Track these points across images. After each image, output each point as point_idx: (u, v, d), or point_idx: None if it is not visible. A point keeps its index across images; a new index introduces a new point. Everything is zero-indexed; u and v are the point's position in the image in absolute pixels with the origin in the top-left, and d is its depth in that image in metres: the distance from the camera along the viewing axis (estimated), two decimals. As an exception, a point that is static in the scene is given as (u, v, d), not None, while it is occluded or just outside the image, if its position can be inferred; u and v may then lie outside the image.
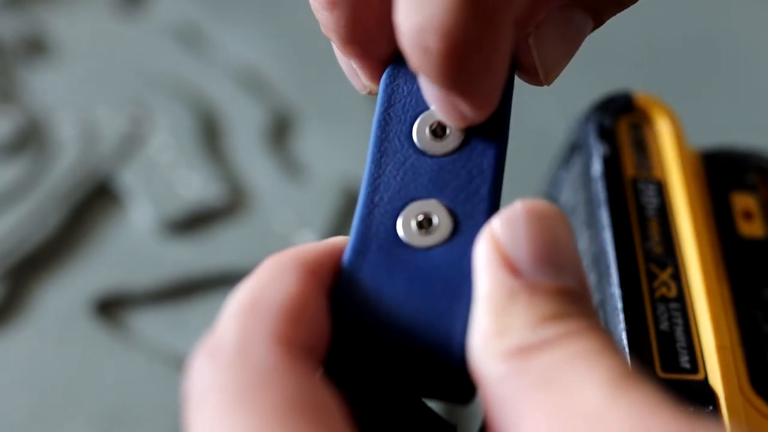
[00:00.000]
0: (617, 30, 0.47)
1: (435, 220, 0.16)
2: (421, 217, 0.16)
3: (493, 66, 0.16)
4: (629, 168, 0.24)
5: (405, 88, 0.18)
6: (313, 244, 0.16)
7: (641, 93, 0.25)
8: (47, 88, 0.42)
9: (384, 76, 0.18)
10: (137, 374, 0.32)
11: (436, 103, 0.17)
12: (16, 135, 0.39)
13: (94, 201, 0.38)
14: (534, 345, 0.13)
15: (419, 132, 0.17)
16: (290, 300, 0.15)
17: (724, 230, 0.23)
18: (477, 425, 0.15)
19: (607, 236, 0.22)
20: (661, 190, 0.23)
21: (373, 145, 0.17)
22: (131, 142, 0.40)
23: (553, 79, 0.18)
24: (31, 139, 0.39)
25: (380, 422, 0.16)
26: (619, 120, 0.25)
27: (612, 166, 0.23)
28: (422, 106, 0.18)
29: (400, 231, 0.16)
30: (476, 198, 0.17)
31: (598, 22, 0.18)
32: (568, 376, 0.13)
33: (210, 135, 0.41)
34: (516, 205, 0.15)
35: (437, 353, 0.15)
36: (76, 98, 0.42)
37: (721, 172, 0.24)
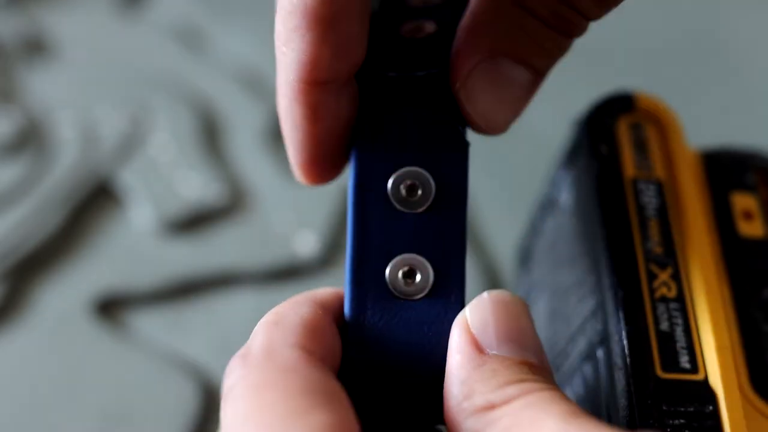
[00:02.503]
0: (617, 30, 0.47)
1: (418, 275, 0.18)
2: (406, 269, 0.18)
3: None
4: (629, 168, 0.24)
5: (373, 156, 0.19)
6: (323, 289, 0.19)
7: (641, 93, 0.25)
8: (47, 88, 0.42)
9: (360, 137, 0.19)
10: (137, 374, 0.32)
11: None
12: (16, 135, 0.39)
13: (94, 201, 0.38)
14: (497, 402, 0.15)
15: (393, 191, 0.19)
16: (306, 320, 0.17)
17: (724, 230, 0.23)
18: None
19: (607, 236, 0.22)
20: (661, 190, 0.23)
21: (353, 206, 0.19)
22: (131, 142, 0.40)
23: (505, 128, 0.19)
24: (31, 139, 0.39)
25: None
26: (619, 120, 0.24)
27: (612, 166, 0.23)
28: (394, 167, 0.19)
29: (389, 283, 0.18)
30: (452, 252, 0.19)
31: (536, 73, 0.19)
32: (527, 419, 0.15)
33: (210, 135, 0.41)
34: (483, 295, 0.18)
35: (428, 386, 0.17)
36: (76, 98, 0.42)
37: (721, 172, 0.24)
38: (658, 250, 0.22)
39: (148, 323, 0.34)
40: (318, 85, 0.19)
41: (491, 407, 0.15)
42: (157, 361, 0.33)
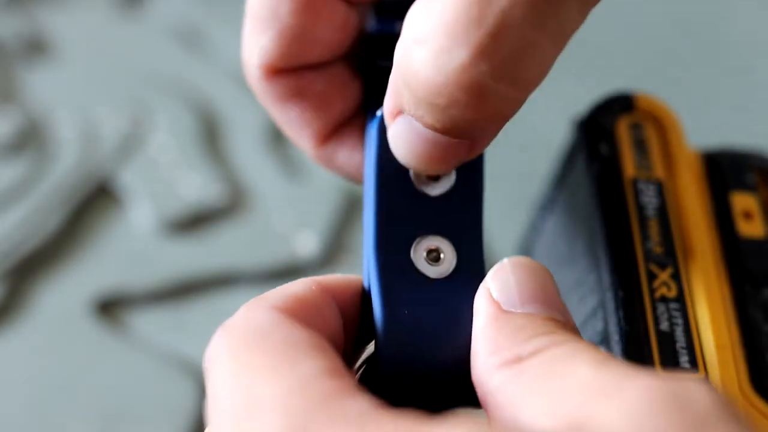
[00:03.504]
0: (617, 30, 0.47)
1: (442, 255, 0.19)
2: (430, 250, 0.19)
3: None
4: (629, 168, 0.24)
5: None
6: (329, 275, 0.19)
7: (641, 93, 0.25)
8: (47, 88, 0.42)
9: (376, 120, 0.20)
10: (137, 374, 0.32)
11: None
12: (16, 135, 0.39)
13: (94, 201, 0.38)
14: (525, 354, 0.15)
15: (416, 174, 0.19)
16: (291, 291, 0.17)
17: (724, 230, 0.23)
18: None
19: (607, 236, 0.22)
20: (661, 190, 0.23)
21: (375, 182, 0.19)
22: (131, 142, 0.40)
23: (427, 168, 0.18)
24: (31, 139, 0.39)
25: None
26: (619, 120, 0.24)
27: (612, 166, 0.23)
28: None
29: (414, 263, 0.18)
30: (472, 232, 0.19)
31: (431, 129, 0.17)
32: (559, 368, 0.14)
33: (210, 135, 0.41)
34: (503, 261, 0.18)
35: (458, 366, 0.17)
36: (76, 98, 0.42)
37: (721, 172, 0.24)
38: (658, 250, 0.22)
39: (148, 323, 0.34)
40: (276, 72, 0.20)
41: (519, 360, 0.15)
42: (157, 361, 0.33)
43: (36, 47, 0.44)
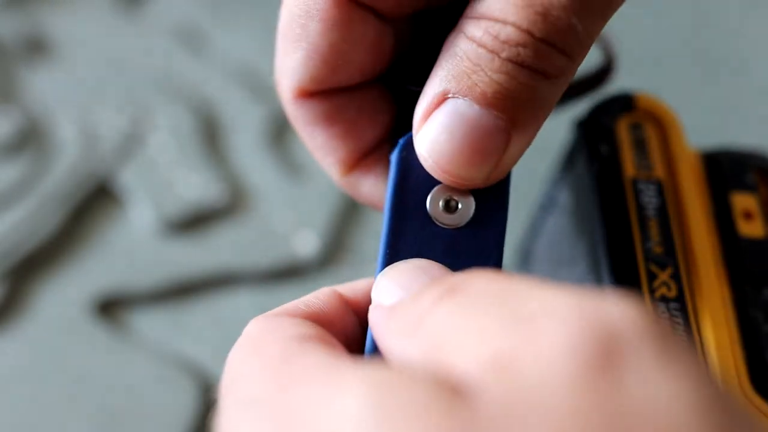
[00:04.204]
0: (617, 30, 0.47)
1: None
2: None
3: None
4: (629, 168, 0.24)
5: (417, 162, 0.19)
6: (355, 281, 0.19)
7: (641, 93, 0.25)
8: (47, 88, 0.42)
9: (396, 149, 0.19)
10: (137, 374, 0.32)
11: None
12: (16, 135, 0.39)
13: (94, 201, 0.38)
14: (425, 311, 0.15)
15: (432, 204, 0.19)
16: (305, 301, 0.18)
17: (724, 230, 0.23)
18: None
19: (607, 236, 0.22)
20: (661, 190, 0.23)
21: (389, 214, 0.19)
22: (131, 142, 0.40)
23: (471, 180, 0.18)
24: (31, 139, 0.39)
25: None
26: (619, 120, 0.24)
27: (612, 166, 0.23)
28: (435, 181, 0.19)
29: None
30: (490, 265, 0.19)
31: (480, 102, 0.18)
32: (460, 313, 0.14)
33: (210, 135, 0.41)
34: (378, 277, 0.18)
35: None
36: (76, 98, 0.42)
37: (721, 172, 0.24)
38: (658, 250, 0.22)
39: (148, 323, 0.34)
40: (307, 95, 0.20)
41: (420, 321, 0.15)
42: (157, 361, 0.33)
43: (36, 47, 0.44)
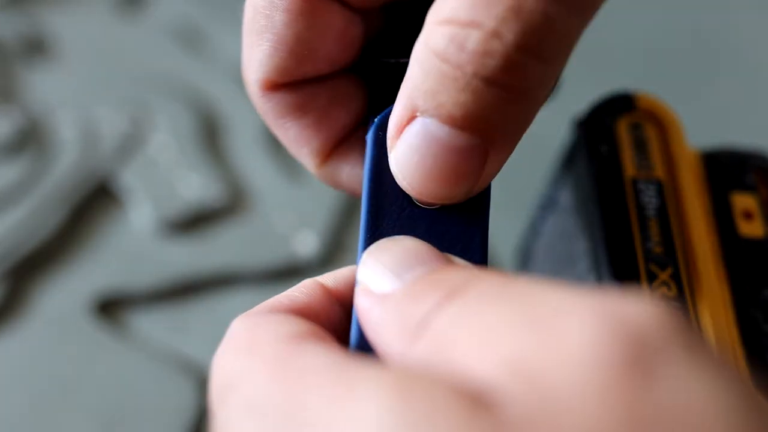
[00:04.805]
0: (617, 30, 0.47)
1: None
2: None
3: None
4: (629, 168, 0.24)
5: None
6: (337, 271, 0.19)
7: (641, 93, 0.25)
8: (47, 88, 0.42)
9: (372, 128, 0.19)
10: (137, 374, 0.32)
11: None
12: (16, 135, 0.39)
13: (94, 201, 0.38)
14: (430, 312, 0.14)
15: None
16: (284, 295, 0.17)
17: (724, 230, 0.23)
18: None
19: (607, 236, 0.22)
20: (661, 190, 0.23)
21: (367, 196, 0.18)
22: (131, 142, 0.40)
23: (445, 199, 0.17)
24: (31, 139, 0.39)
25: None
26: (619, 120, 0.24)
27: (612, 166, 0.23)
28: None
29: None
30: (471, 250, 0.18)
31: (448, 123, 0.16)
32: (476, 311, 0.14)
33: (210, 135, 0.41)
34: (365, 255, 0.17)
35: None
36: (76, 98, 0.42)
37: (721, 172, 0.24)
38: (658, 250, 0.22)
39: (148, 323, 0.34)
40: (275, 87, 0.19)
41: (426, 323, 0.14)
42: (157, 361, 0.33)
43: (36, 47, 0.44)
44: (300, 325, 0.15)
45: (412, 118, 0.16)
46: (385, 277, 0.15)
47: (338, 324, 0.17)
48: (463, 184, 0.17)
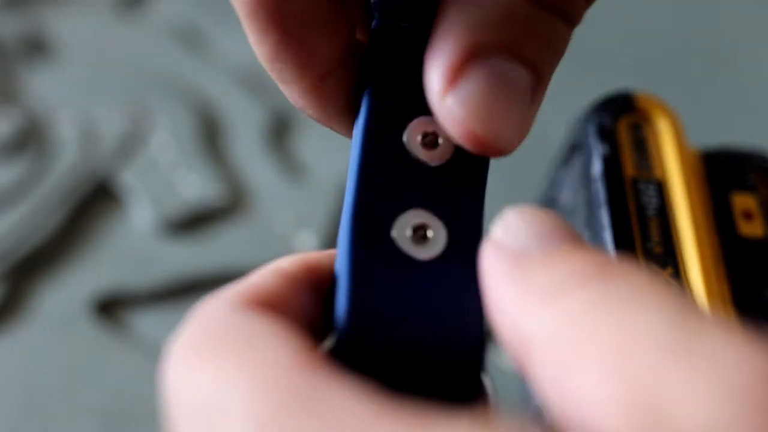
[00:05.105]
0: (617, 30, 0.47)
1: (430, 233, 0.16)
2: (416, 228, 0.16)
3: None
4: (629, 168, 0.24)
5: (397, 89, 0.17)
6: (307, 254, 0.17)
7: (641, 93, 0.25)
8: (47, 88, 0.42)
9: (367, 93, 0.17)
10: (137, 374, 0.32)
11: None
12: (16, 135, 0.39)
13: (94, 201, 0.38)
14: (571, 289, 0.12)
15: (409, 139, 0.17)
16: (250, 281, 0.15)
17: (724, 230, 0.23)
18: None
19: (607, 236, 0.22)
20: (661, 190, 0.23)
21: (360, 147, 0.17)
22: (131, 142, 0.40)
23: (515, 145, 0.16)
24: (31, 139, 0.39)
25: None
26: (619, 120, 0.24)
27: (612, 166, 0.23)
28: (415, 113, 0.17)
29: (397, 241, 0.16)
30: (469, 212, 0.16)
31: (538, 76, 0.16)
32: (615, 309, 0.11)
33: (210, 135, 0.41)
34: (508, 211, 0.15)
35: (451, 349, 0.15)
36: (76, 98, 0.42)
37: (721, 172, 0.24)
38: (658, 250, 0.22)
39: (148, 323, 0.34)
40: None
41: (561, 294, 0.12)
42: (157, 361, 0.33)
43: (36, 47, 0.44)
44: (297, 339, 0.13)
45: (477, 57, 0.15)
46: (523, 235, 0.14)
47: (311, 313, 0.15)
48: (528, 127, 0.16)
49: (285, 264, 0.16)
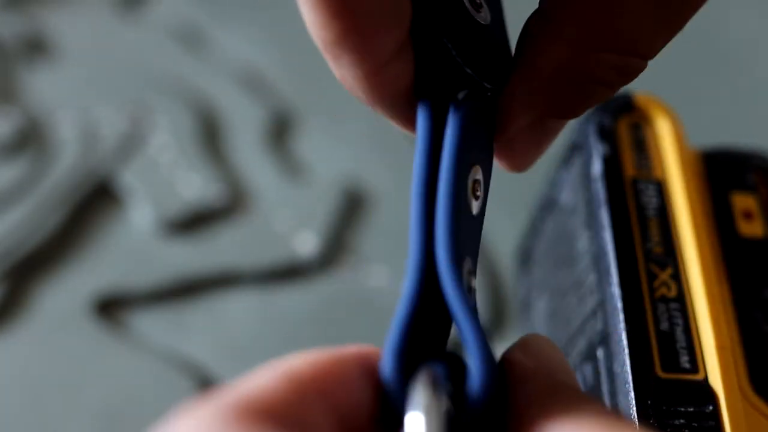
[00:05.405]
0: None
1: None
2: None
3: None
4: (629, 168, 0.24)
5: (473, 132, 0.17)
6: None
7: (641, 93, 0.25)
8: (47, 88, 0.42)
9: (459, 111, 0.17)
10: (137, 374, 0.32)
11: None
12: (16, 135, 0.39)
13: (94, 201, 0.38)
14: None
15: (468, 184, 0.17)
16: (256, 388, 0.13)
17: (724, 230, 0.23)
18: None
19: (607, 236, 0.22)
20: (661, 190, 0.23)
21: (447, 198, 0.15)
22: (131, 142, 0.40)
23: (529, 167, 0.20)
24: (31, 139, 0.39)
25: None
26: (619, 120, 0.25)
27: (612, 166, 0.23)
28: (476, 160, 0.17)
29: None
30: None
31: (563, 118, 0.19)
32: None
33: (210, 135, 0.41)
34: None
35: None
36: (76, 98, 0.42)
37: (721, 172, 0.24)
38: (658, 250, 0.22)
39: (148, 323, 0.34)
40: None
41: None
42: (157, 361, 0.33)
43: (36, 47, 0.44)
44: None
45: (537, 119, 0.18)
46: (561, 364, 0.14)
47: (322, 427, 0.12)
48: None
49: (292, 365, 0.13)
